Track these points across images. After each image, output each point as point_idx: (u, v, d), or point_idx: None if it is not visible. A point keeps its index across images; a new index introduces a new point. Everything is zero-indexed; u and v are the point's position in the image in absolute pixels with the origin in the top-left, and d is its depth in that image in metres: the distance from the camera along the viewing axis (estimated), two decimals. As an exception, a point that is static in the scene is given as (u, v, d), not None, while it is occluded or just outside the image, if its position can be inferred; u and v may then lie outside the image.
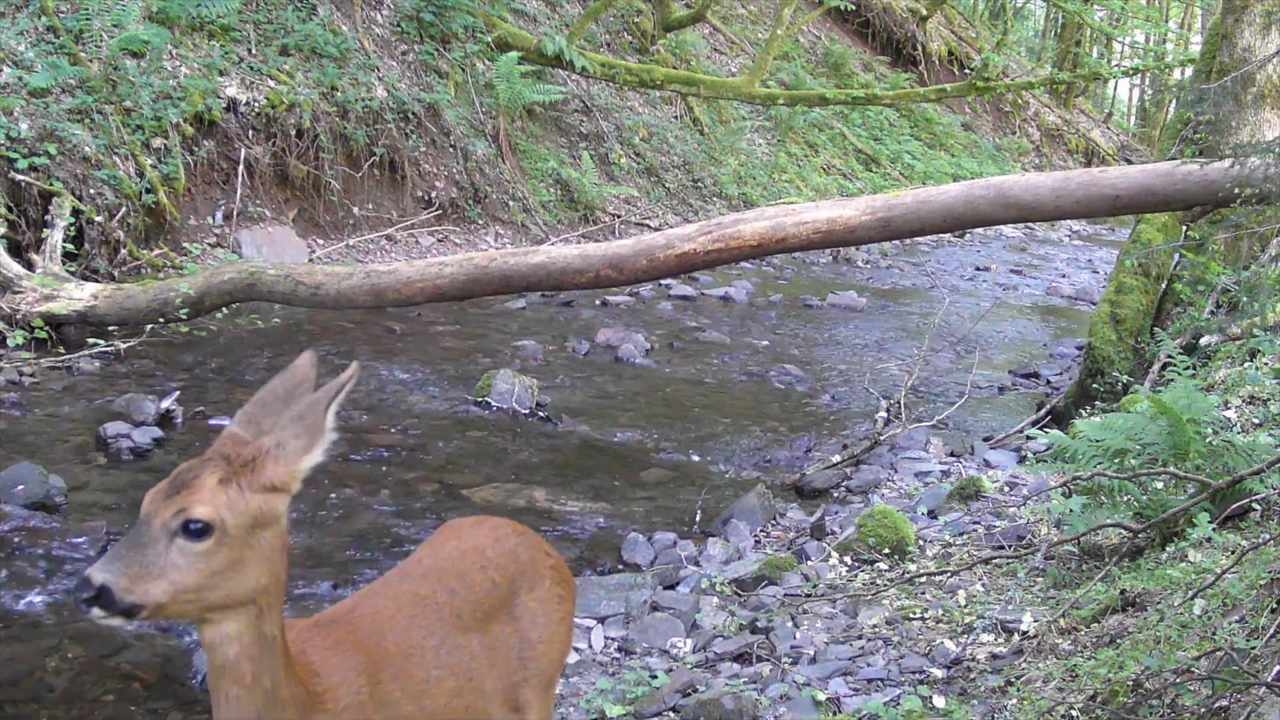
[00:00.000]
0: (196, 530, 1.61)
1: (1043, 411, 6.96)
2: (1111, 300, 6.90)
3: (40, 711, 3.36)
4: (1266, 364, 5.26)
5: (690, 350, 8.85)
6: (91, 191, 7.88)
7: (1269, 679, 2.35)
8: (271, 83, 9.92)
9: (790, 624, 3.93)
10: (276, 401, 1.78)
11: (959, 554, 4.45)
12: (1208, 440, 3.93)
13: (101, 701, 3.44)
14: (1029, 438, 6.22)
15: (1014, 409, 7.60)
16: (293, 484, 1.70)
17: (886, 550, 4.48)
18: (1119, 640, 3.08)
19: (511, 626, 2.21)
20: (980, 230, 17.09)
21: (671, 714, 3.34)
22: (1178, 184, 6.10)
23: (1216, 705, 2.43)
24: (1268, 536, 3.08)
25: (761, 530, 5.19)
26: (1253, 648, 2.53)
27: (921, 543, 4.62)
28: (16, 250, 7.33)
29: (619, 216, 13.14)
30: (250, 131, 9.68)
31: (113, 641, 3.79)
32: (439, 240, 11.10)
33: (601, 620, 4.10)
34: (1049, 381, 8.47)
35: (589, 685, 3.60)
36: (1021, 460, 5.88)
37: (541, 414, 6.74)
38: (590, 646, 3.94)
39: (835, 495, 5.75)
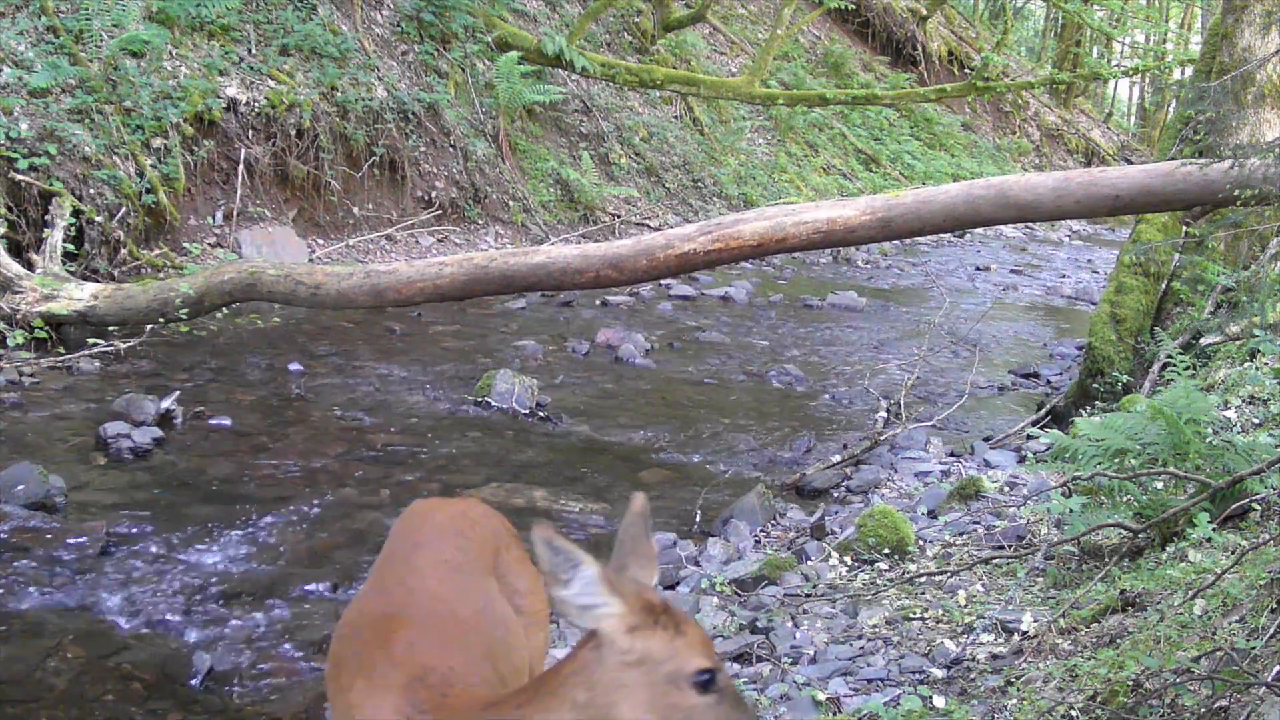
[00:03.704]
0: None
1: (1043, 411, 6.96)
2: (1111, 300, 6.90)
3: (40, 711, 3.36)
4: (1266, 364, 5.26)
5: (690, 350, 8.85)
6: (91, 191, 7.88)
7: (1269, 679, 2.35)
8: (271, 83, 9.92)
9: (790, 624, 3.93)
10: (627, 543, 1.92)
11: (959, 554, 4.45)
12: (1208, 440, 3.93)
13: (101, 701, 3.44)
14: (1029, 438, 6.22)
15: (1014, 409, 7.59)
16: None
17: (886, 550, 4.48)
18: (1119, 640, 3.08)
19: (501, 581, 2.35)
20: (980, 230, 17.10)
21: (671, 714, 3.34)
22: (1178, 184, 6.10)
23: (1216, 705, 2.43)
24: (1268, 536, 3.08)
25: (761, 530, 5.19)
26: (1253, 648, 2.53)
27: (921, 543, 4.62)
28: (16, 250, 7.33)
29: (619, 216, 13.14)
30: (250, 131, 9.69)
31: (113, 641, 3.80)
32: (439, 240, 11.10)
33: (601, 620, 4.09)
34: (1049, 381, 8.47)
35: (589, 685, 3.59)
36: (1021, 460, 5.88)
37: (541, 414, 6.74)
38: (590, 646, 3.93)
39: (835, 495, 5.75)
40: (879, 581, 4.27)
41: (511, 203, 12.00)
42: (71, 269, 7.52)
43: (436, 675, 1.92)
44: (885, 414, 6.76)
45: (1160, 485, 3.93)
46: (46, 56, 8.20)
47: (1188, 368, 5.10)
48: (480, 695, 1.90)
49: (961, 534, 4.69)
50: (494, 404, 6.74)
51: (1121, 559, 3.77)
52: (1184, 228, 6.95)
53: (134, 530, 4.63)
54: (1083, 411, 6.28)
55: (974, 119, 23.89)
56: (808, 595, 4.20)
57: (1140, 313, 6.80)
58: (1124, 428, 4.10)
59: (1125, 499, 3.95)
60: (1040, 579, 3.97)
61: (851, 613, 4.01)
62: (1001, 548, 4.41)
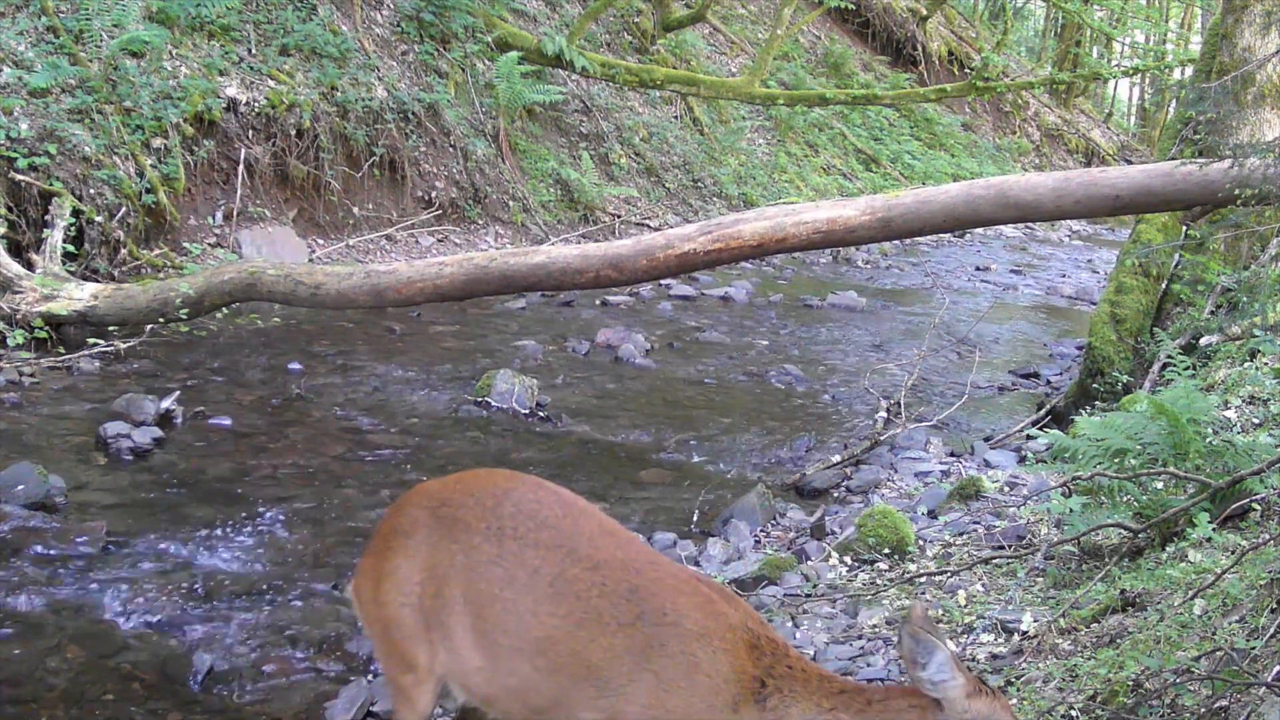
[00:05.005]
0: None
1: (1043, 411, 6.96)
2: (1111, 300, 6.90)
3: (40, 711, 3.36)
4: (1266, 364, 5.26)
5: (690, 350, 8.85)
6: (91, 191, 7.88)
7: (1269, 679, 2.35)
8: (271, 83, 9.92)
9: (790, 624, 3.93)
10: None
11: (959, 554, 4.45)
12: (1208, 440, 3.93)
13: (101, 701, 3.44)
14: (1029, 438, 6.22)
15: (1014, 409, 7.60)
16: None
17: (886, 550, 4.48)
18: (1119, 640, 3.08)
19: None
20: (980, 230, 17.09)
21: (671, 714, 3.33)
22: (1178, 184, 6.10)
23: (1216, 705, 2.43)
24: (1268, 536, 3.08)
25: (761, 530, 5.19)
26: (1253, 648, 2.53)
27: (921, 543, 4.62)
28: (16, 250, 7.33)
29: (619, 216, 13.14)
30: (250, 131, 9.68)
31: (113, 641, 3.79)
32: (439, 240, 11.10)
33: (601, 620, 4.09)
34: (1049, 381, 8.47)
35: (589, 685, 3.59)
36: (1021, 460, 5.88)
37: (541, 414, 6.74)
38: (590, 646, 3.93)
39: (835, 495, 5.75)
40: (879, 581, 4.27)
41: (511, 203, 11.99)
42: (71, 269, 7.51)
43: (765, 637, 2.27)
44: (885, 414, 6.77)
45: (1160, 485, 3.93)
46: (46, 56, 8.20)
47: (1188, 368, 5.10)
48: (817, 670, 2.28)
49: (961, 534, 4.69)
50: (494, 404, 6.74)
51: (1121, 559, 3.77)
52: (1184, 228, 6.95)
53: (134, 530, 4.63)
54: (1083, 411, 6.28)
55: (974, 119, 23.88)
56: (808, 595, 4.20)
57: (1140, 313, 6.80)
58: (1124, 428, 4.10)
59: (1125, 499, 3.95)
60: (1040, 579, 3.97)
61: (851, 613, 4.02)
62: (1001, 548, 4.41)
